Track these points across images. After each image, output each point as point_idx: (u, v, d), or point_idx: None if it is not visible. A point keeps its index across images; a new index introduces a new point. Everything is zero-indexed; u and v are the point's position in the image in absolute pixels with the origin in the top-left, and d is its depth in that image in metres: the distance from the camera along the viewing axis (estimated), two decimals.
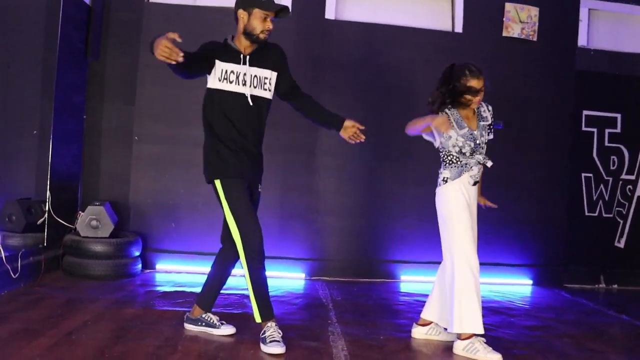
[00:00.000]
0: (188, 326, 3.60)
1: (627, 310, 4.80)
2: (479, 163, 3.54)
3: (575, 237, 5.93)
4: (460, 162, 3.52)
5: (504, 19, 5.71)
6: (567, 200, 5.93)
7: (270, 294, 4.69)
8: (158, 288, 4.73)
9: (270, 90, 3.47)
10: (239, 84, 3.37)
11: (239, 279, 5.20)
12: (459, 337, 3.43)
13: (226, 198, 3.31)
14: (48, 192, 4.78)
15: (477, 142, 3.55)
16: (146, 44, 5.36)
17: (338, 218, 5.54)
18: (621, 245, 6.08)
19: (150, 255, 5.38)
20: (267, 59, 3.45)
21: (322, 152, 5.56)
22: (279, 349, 3.20)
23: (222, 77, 3.37)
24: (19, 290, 4.24)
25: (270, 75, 3.46)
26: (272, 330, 3.27)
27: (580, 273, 5.94)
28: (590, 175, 6.01)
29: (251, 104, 3.38)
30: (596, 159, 6.02)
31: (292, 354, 3.24)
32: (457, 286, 3.36)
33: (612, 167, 6.05)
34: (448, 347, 3.51)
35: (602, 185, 6.03)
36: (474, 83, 3.46)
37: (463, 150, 3.51)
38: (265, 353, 3.21)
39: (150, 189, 5.43)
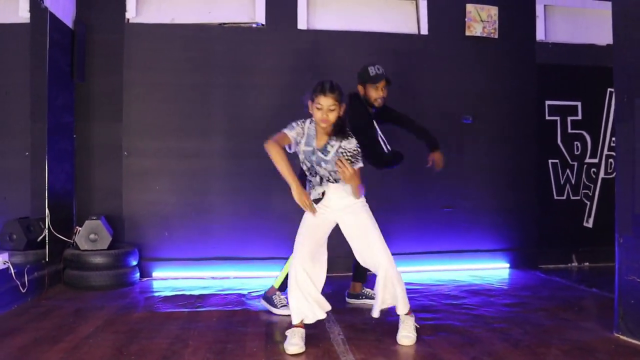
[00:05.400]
0: (349, 300, 4.56)
1: (597, 284, 5.11)
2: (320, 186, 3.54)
3: (547, 221, 6.26)
4: (307, 176, 3.59)
5: (466, 20, 6.03)
6: (537, 186, 6.27)
7: (260, 291, 5.00)
8: (158, 293, 4.95)
9: None
10: None
11: (233, 281, 5.50)
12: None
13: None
14: (47, 210, 5.00)
15: (315, 164, 3.49)
16: (129, 62, 5.62)
17: None
18: (590, 225, 6.42)
19: (146, 265, 5.59)
20: None
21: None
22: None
23: None
24: (28, 304, 4.45)
25: None
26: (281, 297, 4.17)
27: (553, 254, 6.27)
28: (557, 161, 6.34)
29: None
30: (561, 145, 6.35)
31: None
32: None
33: (576, 152, 6.39)
34: (437, 326, 3.83)
35: (568, 170, 6.36)
36: (321, 100, 3.36)
37: (306, 166, 3.56)
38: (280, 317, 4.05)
39: (142, 200, 5.64)
